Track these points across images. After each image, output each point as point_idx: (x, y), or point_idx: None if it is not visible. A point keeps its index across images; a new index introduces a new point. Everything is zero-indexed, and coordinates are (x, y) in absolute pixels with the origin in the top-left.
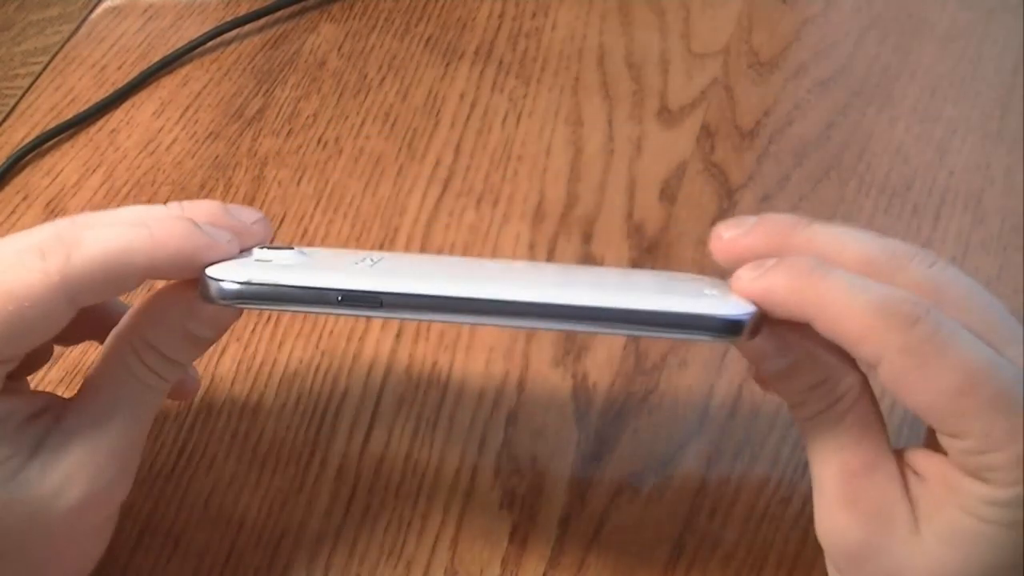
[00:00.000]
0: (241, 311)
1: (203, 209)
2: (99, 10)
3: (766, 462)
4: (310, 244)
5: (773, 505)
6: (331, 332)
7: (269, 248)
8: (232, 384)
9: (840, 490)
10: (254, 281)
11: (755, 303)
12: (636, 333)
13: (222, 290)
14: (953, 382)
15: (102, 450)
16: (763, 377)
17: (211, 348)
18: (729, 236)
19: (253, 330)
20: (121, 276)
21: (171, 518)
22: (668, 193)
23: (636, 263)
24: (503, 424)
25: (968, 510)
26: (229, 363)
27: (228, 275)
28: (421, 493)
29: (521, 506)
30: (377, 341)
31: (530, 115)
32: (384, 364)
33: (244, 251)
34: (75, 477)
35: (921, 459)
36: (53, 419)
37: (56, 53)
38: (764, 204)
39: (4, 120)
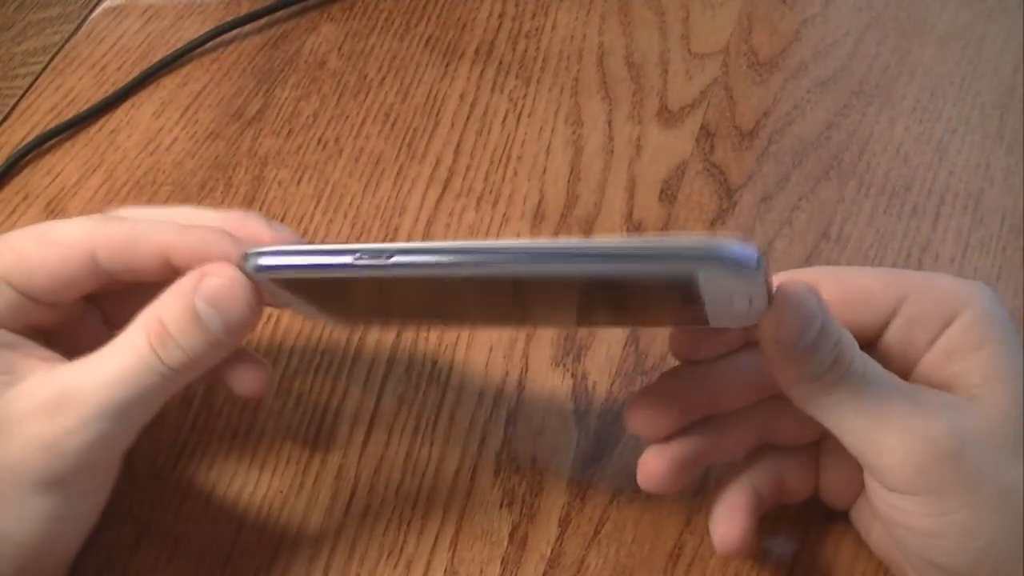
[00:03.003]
0: (252, 322)
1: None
2: (99, 10)
3: None
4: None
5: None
6: (331, 332)
7: None
8: None
9: (903, 406)
10: (273, 254)
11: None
12: (644, 269)
13: (247, 262)
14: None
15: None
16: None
17: None
18: None
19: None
20: (143, 250)
21: (171, 518)
22: (668, 193)
23: None
24: (503, 424)
25: (971, 348)
26: None
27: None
28: (421, 493)
29: (521, 506)
30: (377, 342)
31: (530, 115)
32: (384, 364)
33: None
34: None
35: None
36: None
37: (56, 53)
38: (764, 204)
39: (4, 120)
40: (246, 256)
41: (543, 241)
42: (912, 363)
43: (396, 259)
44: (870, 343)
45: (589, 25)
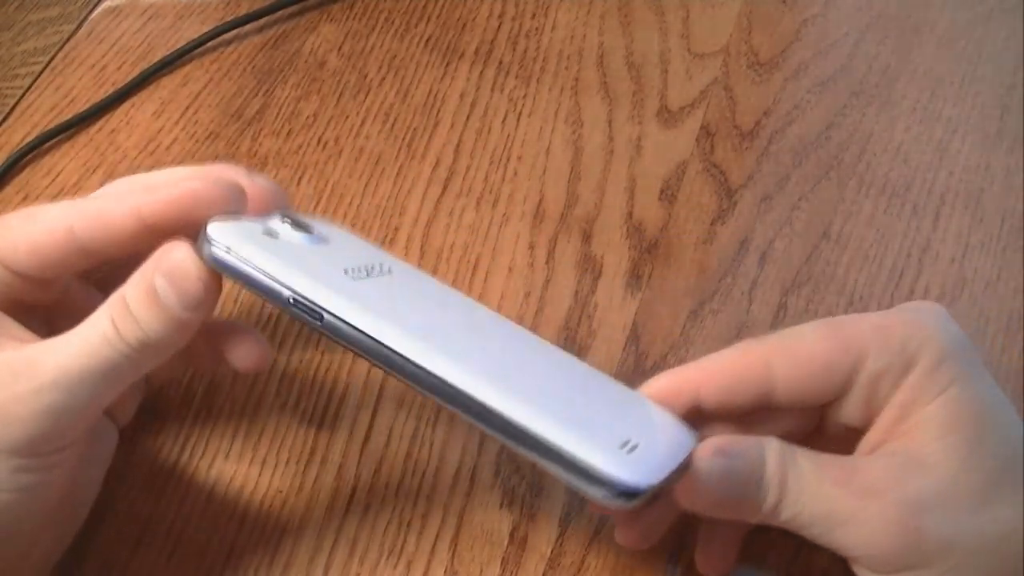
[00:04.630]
0: (208, 301)
1: (220, 169)
2: (99, 10)
3: None
4: None
5: None
6: None
7: (291, 221)
8: (232, 384)
9: (852, 501)
10: (224, 250)
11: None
12: (523, 452)
13: (201, 246)
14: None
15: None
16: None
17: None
18: None
19: None
20: (115, 213)
21: (171, 518)
22: (668, 193)
23: (636, 263)
24: None
25: (930, 396)
26: None
27: (217, 235)
28: (421, 493)
29: (521, 506)
30: None
31: (530, 115)
32: None
33: (266, 215)
34: None
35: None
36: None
37: (56, 53)
38: (764, 204)
39: (4, 120)
40: (201, 241)
41: (474, 370)
42: (873, 417)
43: (328, 321)
44: (833, 406)
45: (589, 25)
